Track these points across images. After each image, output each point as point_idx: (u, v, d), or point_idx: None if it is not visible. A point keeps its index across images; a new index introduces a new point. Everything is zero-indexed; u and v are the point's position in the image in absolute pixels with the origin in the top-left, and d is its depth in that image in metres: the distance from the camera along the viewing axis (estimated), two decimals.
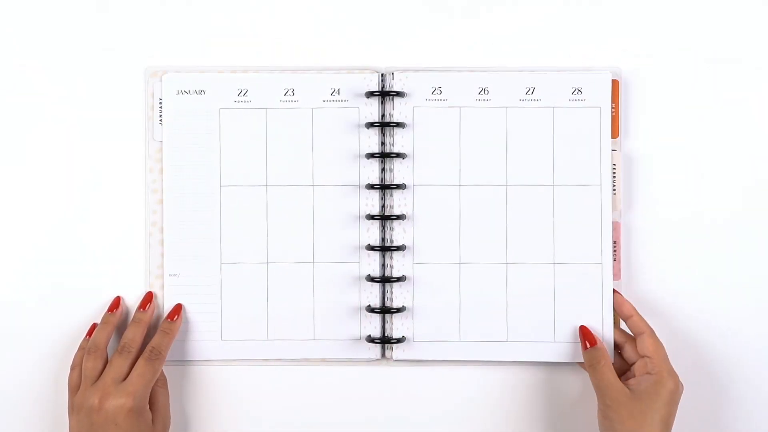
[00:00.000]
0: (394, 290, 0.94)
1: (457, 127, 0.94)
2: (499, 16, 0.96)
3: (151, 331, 0.94)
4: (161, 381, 0.93)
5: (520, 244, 0.94)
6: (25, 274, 0.95)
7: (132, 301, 0.95)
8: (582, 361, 0.92)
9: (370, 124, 0.94)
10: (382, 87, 0.94)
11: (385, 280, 0.94)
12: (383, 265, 0.94)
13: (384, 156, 0.94)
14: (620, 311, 0.93)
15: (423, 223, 0.94)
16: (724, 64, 0.96)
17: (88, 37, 0.95)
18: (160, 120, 0.95)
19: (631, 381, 0.89)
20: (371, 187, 0.94)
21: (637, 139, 0.95)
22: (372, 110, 0.94)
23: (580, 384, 0.95)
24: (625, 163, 0.95)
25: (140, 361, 0.90)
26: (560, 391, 0.95)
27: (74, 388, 0.91)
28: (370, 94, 0.94)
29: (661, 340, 0.91)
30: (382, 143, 0.94)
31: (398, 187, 0.94)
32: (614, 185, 0.94)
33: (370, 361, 0.95)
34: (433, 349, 0.94)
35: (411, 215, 0.94)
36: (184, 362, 0.95)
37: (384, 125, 0.94)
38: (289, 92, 0.94)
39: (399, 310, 0.94)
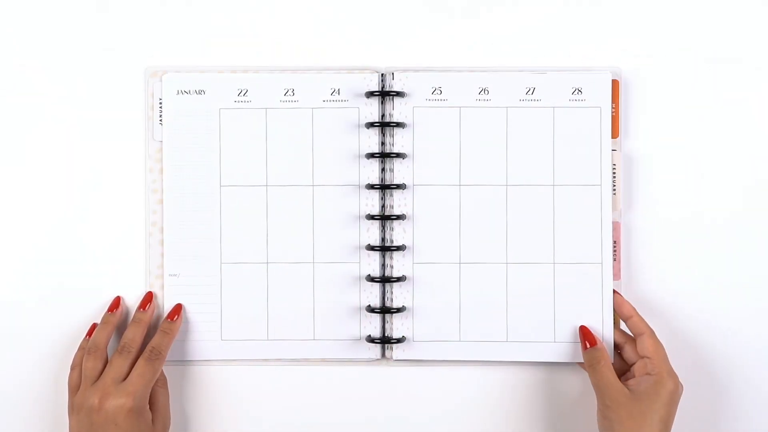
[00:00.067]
0: (394, 290, 0.94)
1: (457, 127, 0.94)
2: (499, 16, 0.96)
3: (151, 331, 0.94)
4: (161, 381, 0.93)
5: (520, 244, 0.94)
6: (25, 274, 0.95)
7: (132, 301, 0.95)
8: (582, 361, 0.92)
9: (370, 124, 0.94)
10: (382, 87, 0.94)
11: (385, 280, 0.94)
12: (383, 265, 0.94)
13: (384, 156, 0.94)
14: (620, 311, 0.93)
15: (423, 223, 0.94)
16: (724, 64, 0.96)
17: (88, 37, 0.95)
18: (160, 120, 0.95)
19: (631, 381, 0.89)
20: (371, 187, 0.94)
21: (637, 139, 0.95)
22: (372, 110, 0.94)
23: (580, 384, 0.95)
24: (625, 163, 0.95)
25: (140, 361, 0.90)
26: (560, 391, 0.95)
27: (74, 388, 0.91)
28: (370, 94, 0.94)
29: (661, 340, 0.91)
30: (382, 143, 0.94)
31: (398, 187, 0.94)
32: (614, 185, 0.94)
33: (370, 361, 0.95)
34: (433, 349, 0.94)
35: (411, 215, 0.94)
36: (184, 362, 0.95)
37: (384, 125, 0.94)
38: (289, 92, 0.94)
39: (399, 310, 0.94)
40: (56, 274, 0.95)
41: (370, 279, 0.94)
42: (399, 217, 0.94)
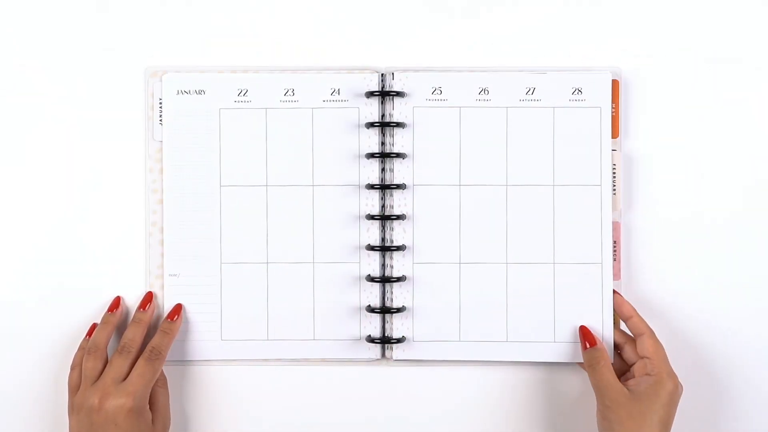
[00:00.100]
0: (394, 290, 0.94)
1: (457, 127, 0.94)
2: (499, 16, 0.96)
3: (151, 331, 0.94)
4: (161, 381, 0.93)
5: (520, 244, 0.94)
6: (25, 274, 0.95)
7: (132, 301, 0.95)
8: (582, 361, 0.92)
9: (370, 124, 0.94)
10: (382, 87, 0.94)
11: (385, 280, 0.94)
12: (383, 265, 0.94)
13: (384, 156, 0.94)
14: (620, 312, 0.93)
15: (423, 223, 0.94)
16: (724, 64, 0.96)
17: (88, 37, 0.95)
18: (160, 120, 0.95)
19: (631, 382, 0.89)
20: (371, 187, 0.94)
21: (637, 139, 0.95)
22: (372, 110, 0.94)
23: (580, 384, 0.95)
24: (625, 163, 0.95)
25: (140, 361, 0.90)
26: (560, 391, 0.95)
27: (74, 388, 0.91)
28: (370, 94, 0.94)
29: (661, 340, 0.91)
30: (382, 143, 0.94)
31: (398, 187, 0.94)
32: (614, 185, 0.94)
33: (370, 361, 0.95)
34: (433, 349, 0.94)
35: (411, 215, 0.94)
36: (184, 362, 0.95)
37: (384, 125, 0.94)
38: (289, 92, 0.94)
39: (399, 310, 0.94)
40: (56, 274, 0.95)
41: (370, 279, 0.94)
42: (399, 217, 0.94)
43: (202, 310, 0.94)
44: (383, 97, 0.94)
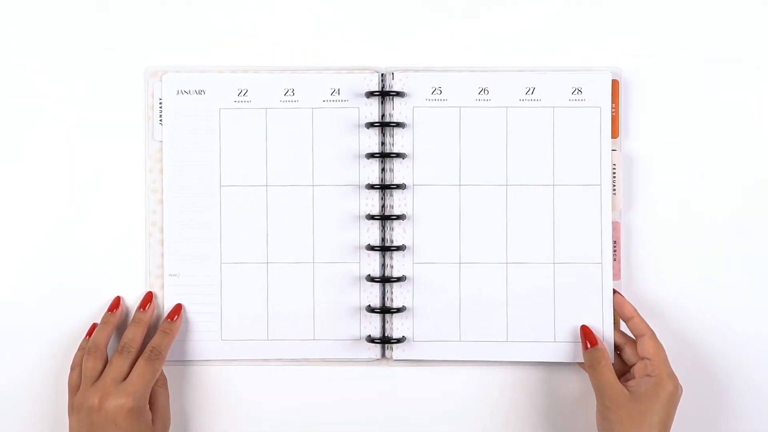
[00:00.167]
0: (394, 290, 0.94)
1: (457, 127, 0.94)
2: (499, 16, 0.96)
3: (151, 331, 0.94)
4: (161, 381, 0.93)
5: (520, 244, 0.94)
6: (25, 274, 0.95)
7: (132, 301, 0.95)
8: (582, 361, 0.92)
9: (370, 124, 0.94)
10: (382, 87, 0.94)
11: (385, 280, 0.94)
12: (383, 265, 0.94)
13: (384, 156, 0.94)
14: (621, 312, 0.93)
15: (423, 223, 0.94)
16: (724, 64, 0.96)
17: (88, 37, 0.95)
18: (160, 120, 0.95)
19: (631, 383, 0.89)
20: (371, 187, 0.94)
21: (637, 139, 0.95)
22: (372, 110, 0.94)
23: (580, 384, 0.95)
24: (625, 163, 0.95)
25: (140, 361, 0.90)
26: (560, 391, 0.95)
27: (74, 388, 0.91)
28: (370, 94, 0.94)
29: (661, 340, 0.91)
30: (382, 143, 0.94)
31: (398, 187, 0.94)
32: (614, 185, 0.94)
33: (370, 361, 0.95)
34: (433, 349, 0.94)
35: (411, 215, 0.94)
36: (184, 362, 0.95)
37: (384, 125, 0.94)
38: (289, 92, 0.94)
39: (399, 310, 0.94)
40: (56, 274, 0.95)
41: (370, 279, 0.94)
42: (399, 217, 0.94)
43: (202, 310, 0.94)
44: (383, 97, 0.94)
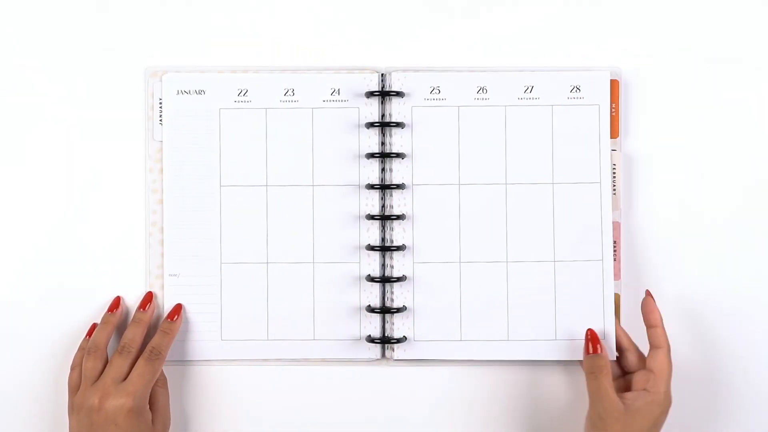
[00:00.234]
0: (394, 290, 0.94)
1: (456, 126, 0.94)
2: (498, 16, 0.96)
3: (151, 331, 0.94)
4: (161, 381, 0.93)
5: (520, 243, 0.94)
6: (25, 274, 0.95)
7: (132, 301, 0.95)
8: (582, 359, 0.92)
9: (370, 124, 0.94)
10: (382, 87, 0.94)
11: (385, 280, 0.94)
12: (383, 265, 0.94)
13: (384, 156, 0.94)
14: (648, 318, 0.91)
15: (423, 222, 0.94)
16: (724, 64, 0.96)
17: (88, 37, 0.96)
18: (160, 120, 0.95)
19: (628, 395, 0.88)
20: (371, 187, 0.94)
21: (637, 139, 0.95)
22: (372, 110, 0.94)
23: (581, 383, 0.94)
24: (625, 163, 0.95)
25: (140, 361, 0.90)
26: (561, 391, 0.95)
27: (74, 388, 0.91)
28: (370, 94, 0.94)
29: None
30: (382, 143, 0.94)
31: (398, 187, 0.94)
32: (614, 185, 0.94)
33: (370, 361, 0.95)
34: (434, 348, 0.94)
35: (411, 215, 0.94)
36: (184, 362, 0.95)
37: (384, 125, 0.94)
38: (289, 92, 0.94)
39: (399, 310, 0.94)
40: (56, 274, 0.95)
41: (370, 279, 0.94)
42: (399, 217, 0.94)
43: (202, 310, 0.94)
44: (383, 97, 0.94)
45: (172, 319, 0.93)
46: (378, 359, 0.95)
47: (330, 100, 0.94)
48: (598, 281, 0.93)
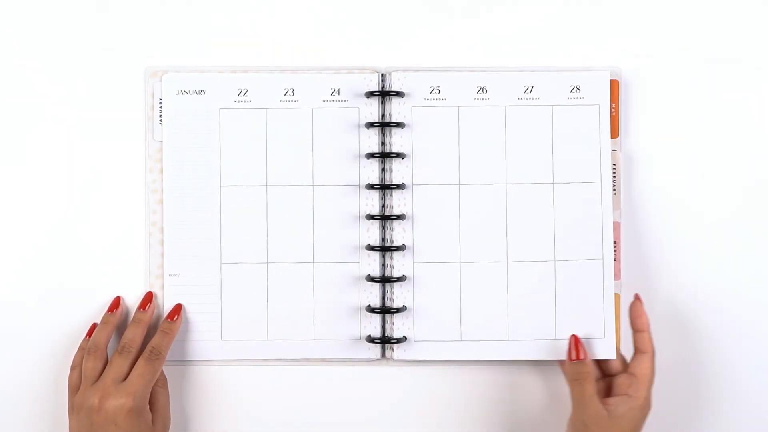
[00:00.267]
0: (394, 290, 0.94)
1: (455, 126, 0.94)
2: (498, 16, 0.96)
3: (151, 331, 0.93)
4: (161, 381, 0.93)
5: (520, 243, 0.94)
6: (25, 274, 0.95)
7: (132, 301, 0.95)
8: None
9: (370, 124, 0.94)
10: (382, 87, 0.94)
11: (385, 280, 0.94)
12: (383, 265, 0.94)
13: (384, 156, 0.94)
14: (635, 323, 0.91)
15: (423, 222, 0.94)
16: (724, 64, 0.96)
17: (88, 37, 0.96)
18: (160, 120, 0.95)
19: (610, 401, 0.89)
20: (371, 187, 0.94)
21: (637, 139, 0.95)
22: (372, 110, 0.94)
23: None
24: (625, 163, 0.95)
25: (140, 361, 0.90)
26: (561, 390, 0.95)
27: (74, 388, 0.91)
28: (370, 94, 0.94)
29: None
30: (382, 143, 0.94)
31: (398, 187, 0.94)
32: (614, 185, 0.94)
33: (370, 361, 0.95)
34: (434, 348, 0.94)
35: (411, 215, 0.94)
36: (184, 362, 0.95)
37: (384, 125, 0.94)
38: (289, 92, 0.94)
39: (399, 310, 0.94)
40: (56, 274, 0.95)
41: (370, 279, 0.94)
42: (399, 217, 0.94)
43: (202, 310, 0.94)
44: (383, 97, 0.94)
45: (172, 319, 0.93)
46: (378, 359, 0.95)
47: (330, 100, 0.94)
48: (598, 281, 0.93)
